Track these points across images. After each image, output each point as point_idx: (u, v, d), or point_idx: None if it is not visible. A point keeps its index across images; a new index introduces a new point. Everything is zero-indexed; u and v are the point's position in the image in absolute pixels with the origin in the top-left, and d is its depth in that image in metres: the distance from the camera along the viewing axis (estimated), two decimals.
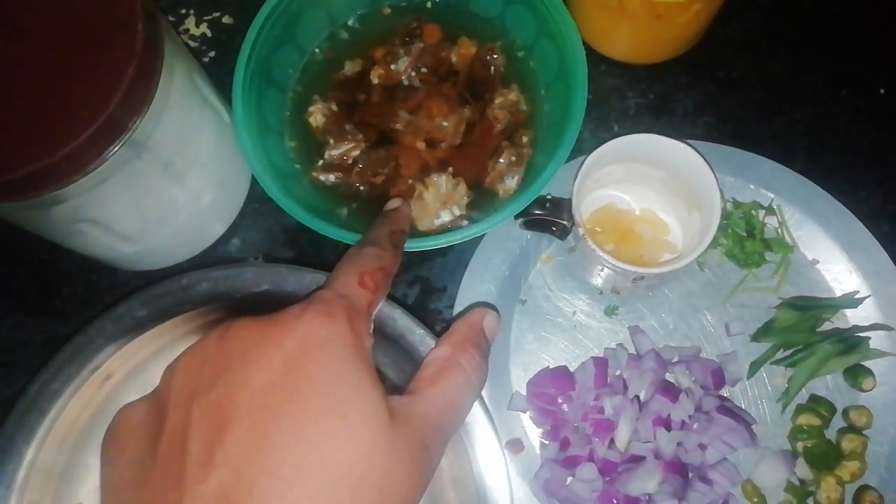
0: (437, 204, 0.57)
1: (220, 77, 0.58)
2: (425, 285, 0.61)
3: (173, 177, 0.52)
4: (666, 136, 0.53)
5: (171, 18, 0.69)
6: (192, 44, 0.68)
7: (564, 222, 0.52)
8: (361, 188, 0.58)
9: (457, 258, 0.60)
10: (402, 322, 0.45)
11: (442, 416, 0.35)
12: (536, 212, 0.53)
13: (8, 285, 0.63)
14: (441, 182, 0.58)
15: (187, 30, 0.69)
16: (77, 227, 0.50)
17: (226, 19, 0.69)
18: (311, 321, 0.32)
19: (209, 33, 0.68)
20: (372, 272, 0.38)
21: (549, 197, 0.53)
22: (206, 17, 0.69)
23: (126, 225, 0.53)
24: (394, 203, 0.49)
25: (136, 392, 0.45)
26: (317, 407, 0.30)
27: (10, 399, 0.47)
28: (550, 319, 0.59)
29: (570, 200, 0.52)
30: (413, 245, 0.52)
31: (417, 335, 0.45)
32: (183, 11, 0.69)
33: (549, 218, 0.53)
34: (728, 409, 0.53)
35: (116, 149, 0.44)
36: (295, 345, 0.31)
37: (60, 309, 0.62)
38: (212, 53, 0.68)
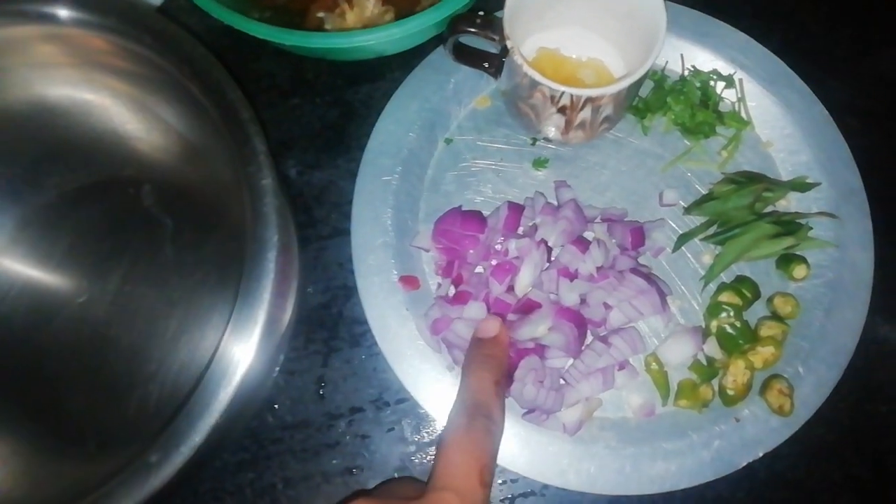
0: (359, 27, 0.52)
1: None
2: (347, 109, 0.56)
3: None
4: None
5: None
6: None
7: (494, 37, 0.47)
8: None
9: (387, 86, 0.56)
10: None
11: None
12: (467, 28, 0.48)
13: None
14: (368, 4, 0.53)
15: None
16: None
17: None
18: None
19: None
20: (489, 464, 0.38)
21: (480, 13, 0.48)
22: None
23: None
24: (490, 328, 0.45)
25: None
26: None
27: None
28: (474, 164, 0.54)
29: (501, 19, 0.47)
30: (323, 42, 0.47)
31: None
32: None
33: (480, 33, 0.48)
34: (642, 273, 0.49)
35: None
36: None
37: None
38: None
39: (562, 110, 0.47)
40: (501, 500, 0.49)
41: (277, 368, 0.47)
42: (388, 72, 0.56)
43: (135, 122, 0.51)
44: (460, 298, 0.48)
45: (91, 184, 0.53)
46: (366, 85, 0.56)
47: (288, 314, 0.44)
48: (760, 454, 0.47)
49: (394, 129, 0.53)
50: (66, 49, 0.46)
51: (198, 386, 0.37)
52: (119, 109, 0.51)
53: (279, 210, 0.38)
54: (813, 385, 0.49)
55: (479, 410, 0.39)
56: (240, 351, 0.37)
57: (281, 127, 0.55)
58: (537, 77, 0.45)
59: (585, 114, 0.48)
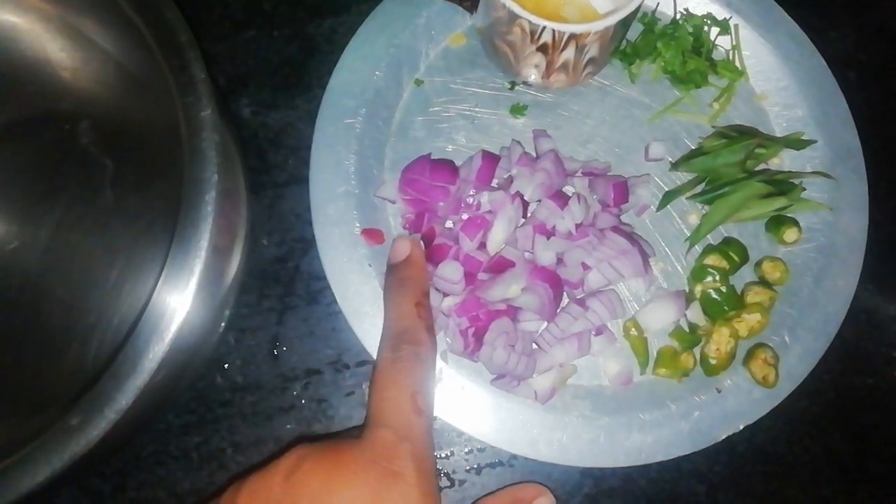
0: None
1: None
2: (308, 44, 0.51)
3: None
4: None
5: None
6: None
7: None
8: None
9: (352, 20, 0.51)
10: None
11: None
12: None
13: None
14: None
15: None
16: None
17: None
18: (379, 483, 0.32)
19: None
20: (423, 389, 0.36)
21: None
22: None
23: None
24: (401, 250, 0.43)
25: None
26: None
27: None
28: (447, 108, 0.50)
29: None
30: None
31: None
32: None
33: None
34: (624, 232, 0.46)
35: None
36: None
37: None
38: None
39: (542, 49, 0.43)
40: (467, 471, 0.46)
41: (223, 324, 0.43)
42: (354, 4, 0.52)
43: (70, 49, 0.46)
44: (434, 255, 0.44)
45: (22, 119, 0.48)
46: (329, 18, 0.51)
47: (234, 266, 0.40)
48: (741, 427, 0.44)
49: (358, 67, 0.49)
50: None
51: (127, 341, 0.33)
52: (51, 35, 0.45)
53: (220, 148, 0.34)
54: (799, 355, 0.46)
55: (403, 338, 0.38)
56: (174, 304, 0.33)
57: (234, 62, 0.50)
58: (516, 9, 0.40)
59: (568, 54, 0.43)
